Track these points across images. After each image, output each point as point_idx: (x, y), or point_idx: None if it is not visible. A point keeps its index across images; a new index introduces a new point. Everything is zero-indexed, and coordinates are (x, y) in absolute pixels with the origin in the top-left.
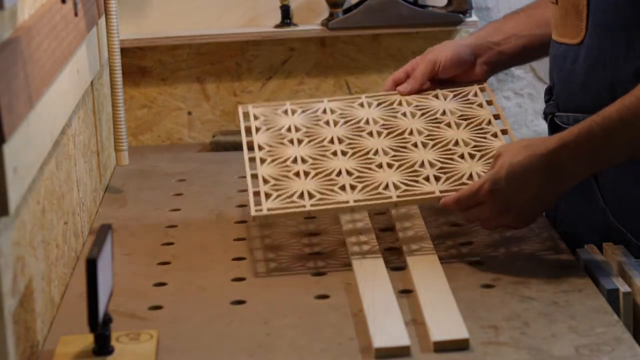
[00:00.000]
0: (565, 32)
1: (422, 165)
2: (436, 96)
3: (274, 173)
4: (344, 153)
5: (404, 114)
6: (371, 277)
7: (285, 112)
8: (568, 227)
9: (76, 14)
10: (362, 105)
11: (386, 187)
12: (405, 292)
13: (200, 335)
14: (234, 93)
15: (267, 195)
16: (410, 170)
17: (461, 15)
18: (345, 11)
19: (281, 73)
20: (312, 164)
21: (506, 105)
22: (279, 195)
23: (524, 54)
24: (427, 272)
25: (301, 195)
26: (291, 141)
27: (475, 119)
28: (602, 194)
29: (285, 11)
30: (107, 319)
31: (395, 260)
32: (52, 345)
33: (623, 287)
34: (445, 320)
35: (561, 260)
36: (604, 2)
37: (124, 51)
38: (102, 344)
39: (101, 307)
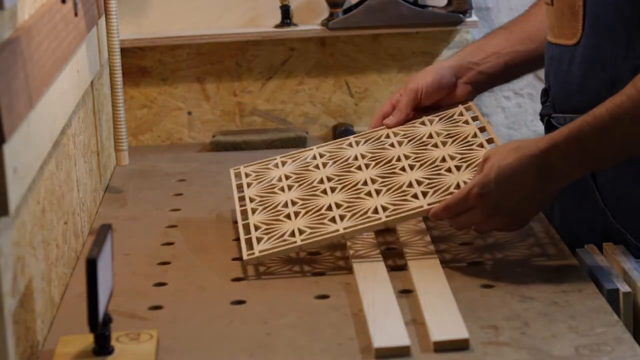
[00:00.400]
0: (561, 34)
1: (410, 185)
2: (423, 123)
3: (265, 219)
4: (333, 189)
5: (392, 145)
6: (371, 278)
7: (276, 165)
8: (567, 228)
9: (76, 14)
10: (350, 145)
11: (375, 210)
12: (405, 292)
13: (200, 335)
14: (234, 93)
15: (259, 240)
16: (398, 191)
17: (461, 15)
18: (345, 11)
19: (281, 73)
20: (302, 204)
21: (506, 105)
22: (270, 237)
23: (506, 72)
24: (427, 272)
25: (292, 234)
26: (282, 189)
27: (461, 134)
28: (601, 194)
29: (285, 11)
30: (107, 319)
31: (395, 260)
32: (52, 345)
33: (623, 287)
34: (445, 320)
35: (561, 261)
36: (603, 2)
37: (124, 51)
38: (102, 344)
39: (101, 307)
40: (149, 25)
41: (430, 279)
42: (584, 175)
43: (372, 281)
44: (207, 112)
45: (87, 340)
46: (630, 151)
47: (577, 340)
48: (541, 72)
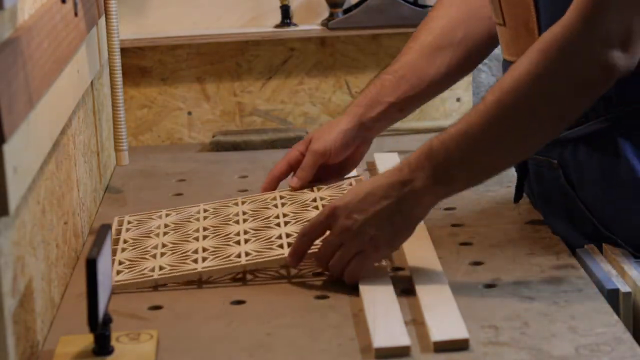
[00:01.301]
0: (519, 51)
1: (279, 237)
2: (311, 189)
3: (131, 257)
4: (205, 237)
5: (275, 205)
6: (371, 278)
7: (160, 216)
8: (563, 232)
9: (76, 14)
10: (236, 204)
11: (238, 255)
12: (406, 292)
13: (200, 335)
14: (234, 93)
15: (119, 272)
16: (267, 241)
17: None
18: (345, 11)
19: (281, 73)
20: (171, 247)
21: None
22: (130, 272)
23: (400, 117)
24: (427, 272)
25: (152, 269)
26: (157, 234)
27: None
28: (584, 203)
29: (285, 11)
30: (107, 319)
31: (395, 260)
32: (52, 345)
33: (623, 287)
34: (445, 320)
35: (561, 260)
36: (556, 17)
37: (124, 51)
38: (102, 344)
39: (101, 307)
40: (149, 25)
41: (430, 279)
42: (451, 193)
43: (372, 281)
44: (207, 112)
45: (87, 340)
46: (490, 166)
47: (577, 340)
48: None
